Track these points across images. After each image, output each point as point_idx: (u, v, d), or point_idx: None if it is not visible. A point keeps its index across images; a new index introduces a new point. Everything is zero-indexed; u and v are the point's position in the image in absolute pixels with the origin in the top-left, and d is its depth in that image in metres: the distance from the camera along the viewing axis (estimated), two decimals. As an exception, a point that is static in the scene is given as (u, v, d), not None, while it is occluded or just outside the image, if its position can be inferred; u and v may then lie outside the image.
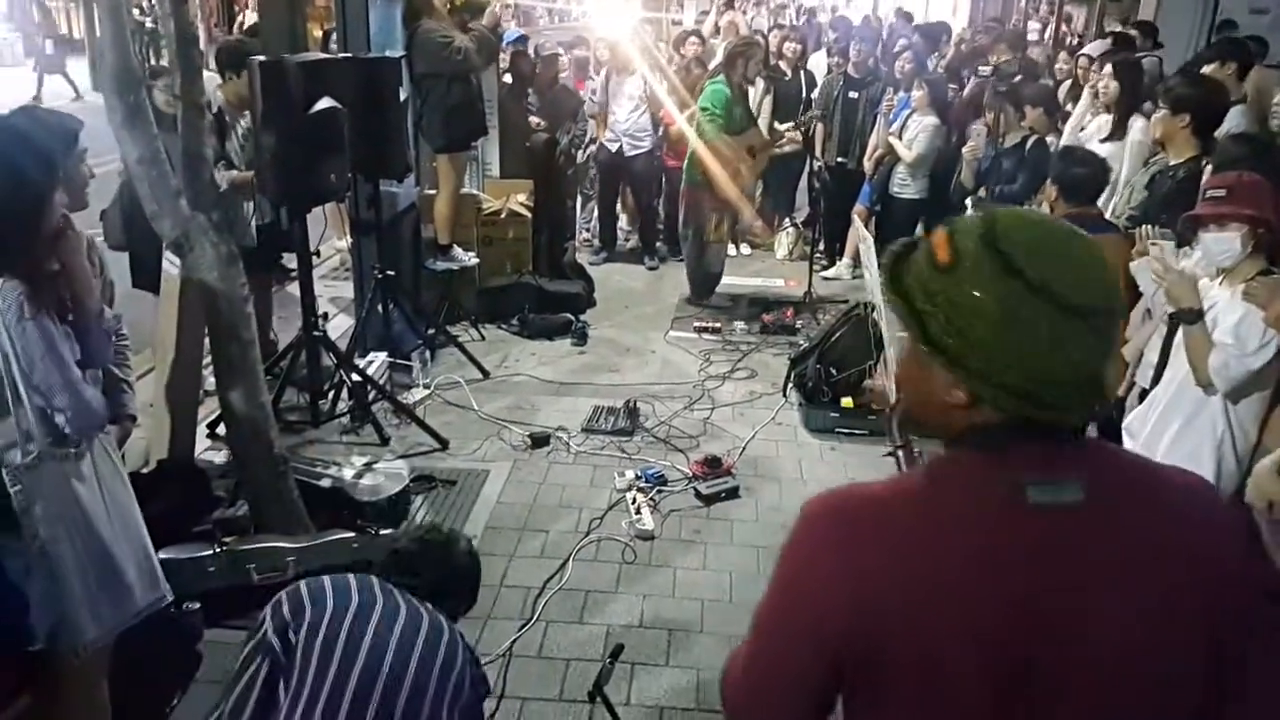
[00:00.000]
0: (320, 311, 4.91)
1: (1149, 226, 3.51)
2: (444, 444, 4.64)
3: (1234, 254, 2.78)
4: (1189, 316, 2.80)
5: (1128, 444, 3.11)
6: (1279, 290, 2.68)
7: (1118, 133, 4.95)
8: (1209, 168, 3.58)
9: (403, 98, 5.25)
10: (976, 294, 1.06)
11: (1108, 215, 4.24)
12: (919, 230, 7.31)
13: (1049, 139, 5.56)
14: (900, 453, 4.07)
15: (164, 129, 3.22)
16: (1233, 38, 5.77)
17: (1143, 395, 3.28)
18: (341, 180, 4.49)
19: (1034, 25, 12.47)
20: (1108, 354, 1.09)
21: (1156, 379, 3.09)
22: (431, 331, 5.61)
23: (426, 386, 5.23)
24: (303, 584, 2.05)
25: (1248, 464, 2.62)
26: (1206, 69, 4.90)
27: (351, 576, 2.09)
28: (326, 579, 2.06)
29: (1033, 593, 1.07)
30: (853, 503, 1.18)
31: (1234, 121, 4.49)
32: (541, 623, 3.45)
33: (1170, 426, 2.95)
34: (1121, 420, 3.26)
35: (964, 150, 6.10)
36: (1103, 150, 4.55)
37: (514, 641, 3.34)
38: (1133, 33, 7.13)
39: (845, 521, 1.16)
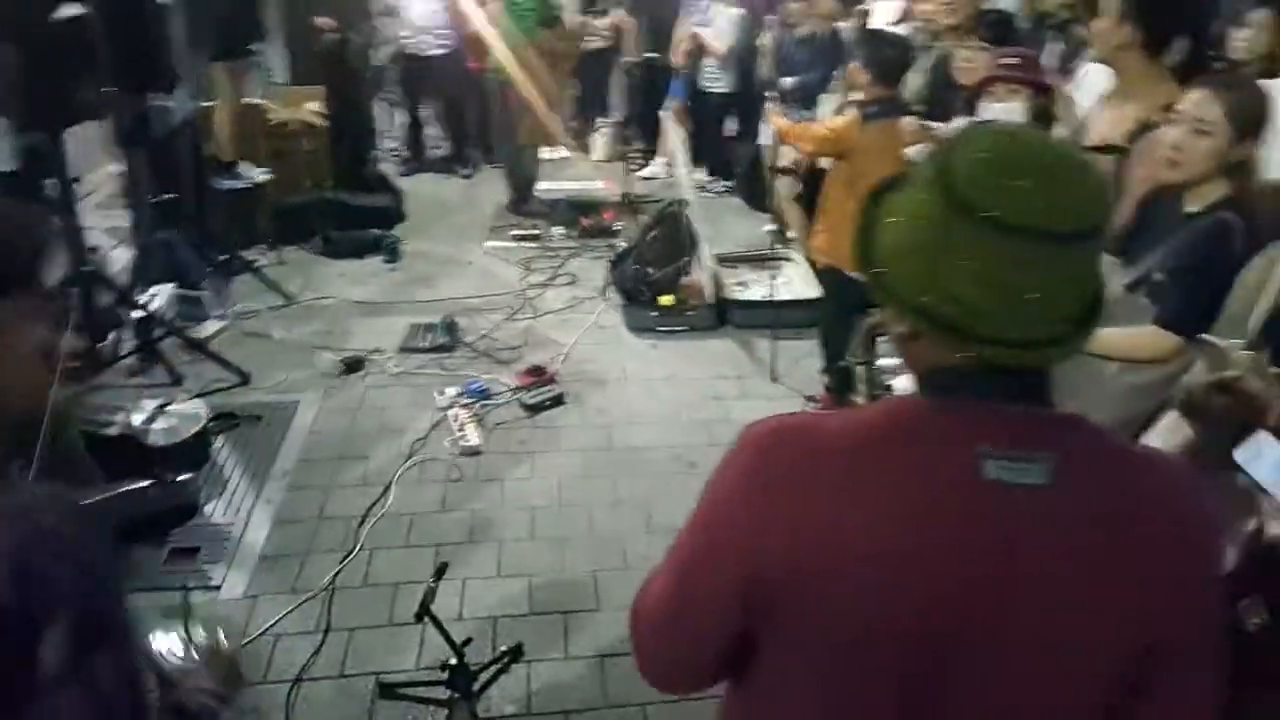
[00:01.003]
0: (91, 244, 4.47)
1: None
2: (245, 378, 4.35)
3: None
4: None
5: None
6: None
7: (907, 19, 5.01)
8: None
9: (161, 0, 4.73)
10: (904, 204, 0.99)
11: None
12: (731, 124, 7.34)
13: (841, 26, 5.60)
14: (827, 393, 4.11)
15: None
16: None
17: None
18: (97, 96, 4.03)
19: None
20: (1069, 284, 0.93)
21: None
22: (224, 258, 5.20)
23: (222, 318, 4.87)
24: None
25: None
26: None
27: None
28: None
29: (968, 576, 0.96)
30: (796, 435, 1.04)
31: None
32: (365, 551, 3.31)
33: None
34: None
35: (759, 41, 6.08)
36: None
37: (337, 574, 3.19)
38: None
39: (785, 456, 1.02)
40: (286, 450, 3.88)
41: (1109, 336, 2.26)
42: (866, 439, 1.01)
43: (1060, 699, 1.02)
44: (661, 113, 6.97)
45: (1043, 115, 2.87)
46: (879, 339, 2.33)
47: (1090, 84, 3.31)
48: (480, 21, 6.53)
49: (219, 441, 3.88)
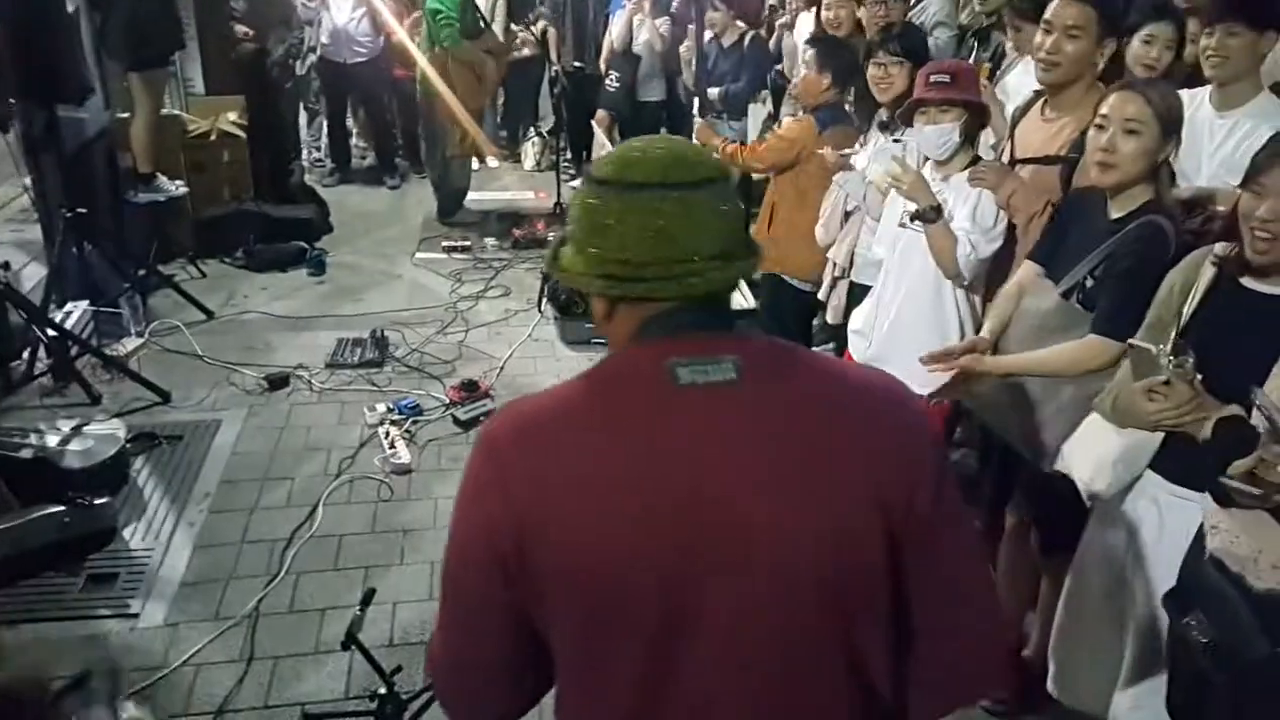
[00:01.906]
0: (2, 260, 4.29)
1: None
2: (165, 396, 4.19)
3: (953, 144, 2.78)
4: (931, 215, 2.74)
5: (857, 345, 3.13)
6: (1005, 172, 2.75)
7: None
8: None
9: (71, 8, 4.58)
10: (572, 213, 1.15)
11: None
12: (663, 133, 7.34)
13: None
14: None
15: None
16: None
17: (856, 291, 3.37)
18: (4, 107, 3.88)
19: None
20: (689, 223, 1.08)
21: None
22: (141, 273, 5.02)
23: (140, 334, 4.70)
24: None
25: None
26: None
27: None
28: None
29: (692, 482, 1.04)
30: (509, 416, 1.15)
31: (937, 7, 4.68)
32: (291, 575, 3.19)
33: (905, 325, 2.93)
34: None
35: (681, 49, 6.08)
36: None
37: (261, 600, 3.07)
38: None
39: (501, 438, 1.12)
40: (208, 471, 3.75)
41: (1050, 357, 2.27)
42: (577, 398, 1.13)
43: (827, 592, 1.07)
44: (593, 121, 6.94)
45: (974, 130, 2.86)
46: None
47: (1014, 90, 3.35)
48: (401, 32, 6.45)
49: (138, 463, 3.73)
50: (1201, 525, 1.78)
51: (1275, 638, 1.61)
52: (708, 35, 5.99)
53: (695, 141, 4.41)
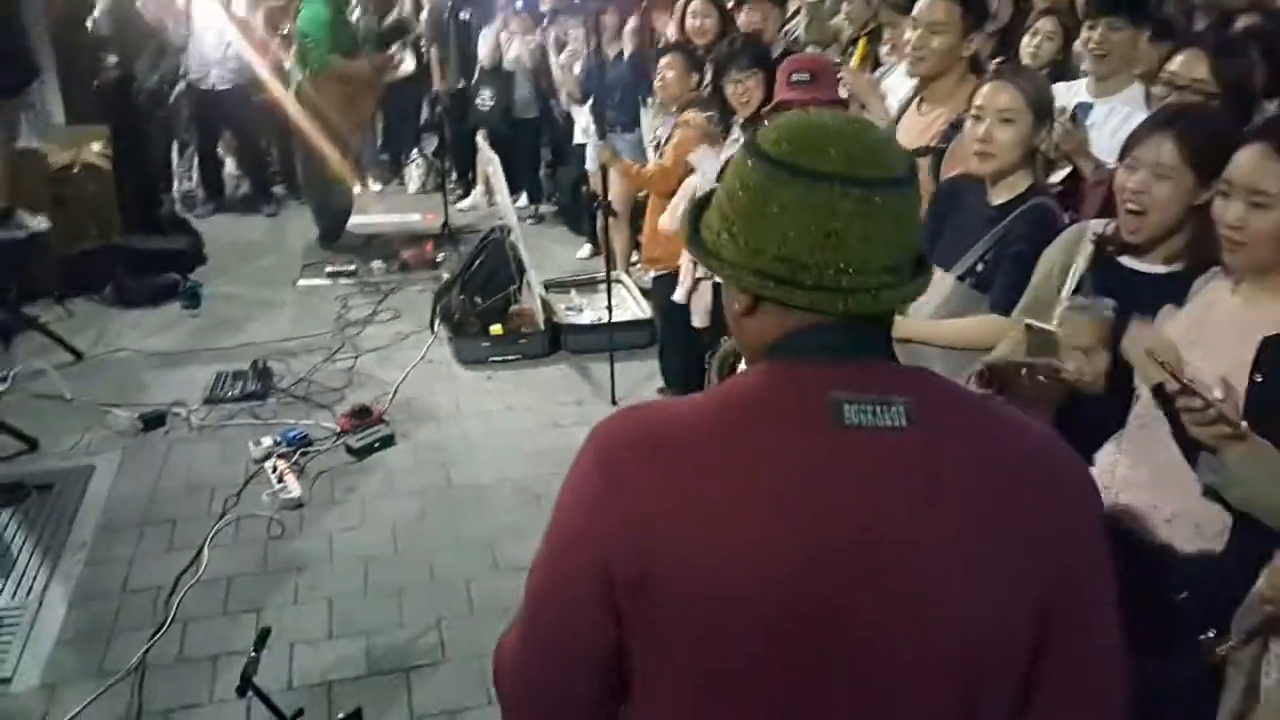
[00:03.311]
0: None
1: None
2: (32, 444, 3.94)
3: None
4: None
5: None
6: None
7: None
8: None
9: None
10: (727, 183, 1.01)
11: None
12: (545, 151, 7.29)
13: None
14: None
15: None
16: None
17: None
18: None
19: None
20: (879, 231, 0.95)
21: None
22: (1, 315, 4.72)
23: (3, 380, 4.42)
24: None
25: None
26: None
27: None
28: None
29: (840, 527, 0.92)
30: (637, 426, 1.01)
31: (801, 29, 4.80)
32: (179, 624, 3.01)
33: None
34: None
35: (561, 59, 6.06)
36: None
37: (147, 651, 2.89)
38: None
39: (627, 451, 0.98)
40: (83, 520, 3.52)
41: (949, 329, 2.31)
42: (714, 415, 0.98)
43: (967, 658, 0.95)
44: (478, 140, 6.85)
45: None
46: (735, 366, 2.30)
47: (893, 91, 3.43)
48: (269, 58, 6.26)
49: (5, 516, 3.50)
50: None
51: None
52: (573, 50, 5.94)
53: (597, 164, 4.41)
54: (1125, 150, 1.90)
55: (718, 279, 1.08)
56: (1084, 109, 2.91)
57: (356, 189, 6.94)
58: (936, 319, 2.35)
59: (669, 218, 3.56)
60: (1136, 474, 1.80)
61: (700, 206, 1.07)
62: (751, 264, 0.97)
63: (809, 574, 0.92)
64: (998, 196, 2.31)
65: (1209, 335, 1.69)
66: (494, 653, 1.09)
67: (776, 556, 0.91)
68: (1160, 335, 1.73)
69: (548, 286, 5.34)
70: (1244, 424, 1.53)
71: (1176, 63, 2.45)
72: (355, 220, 6.64)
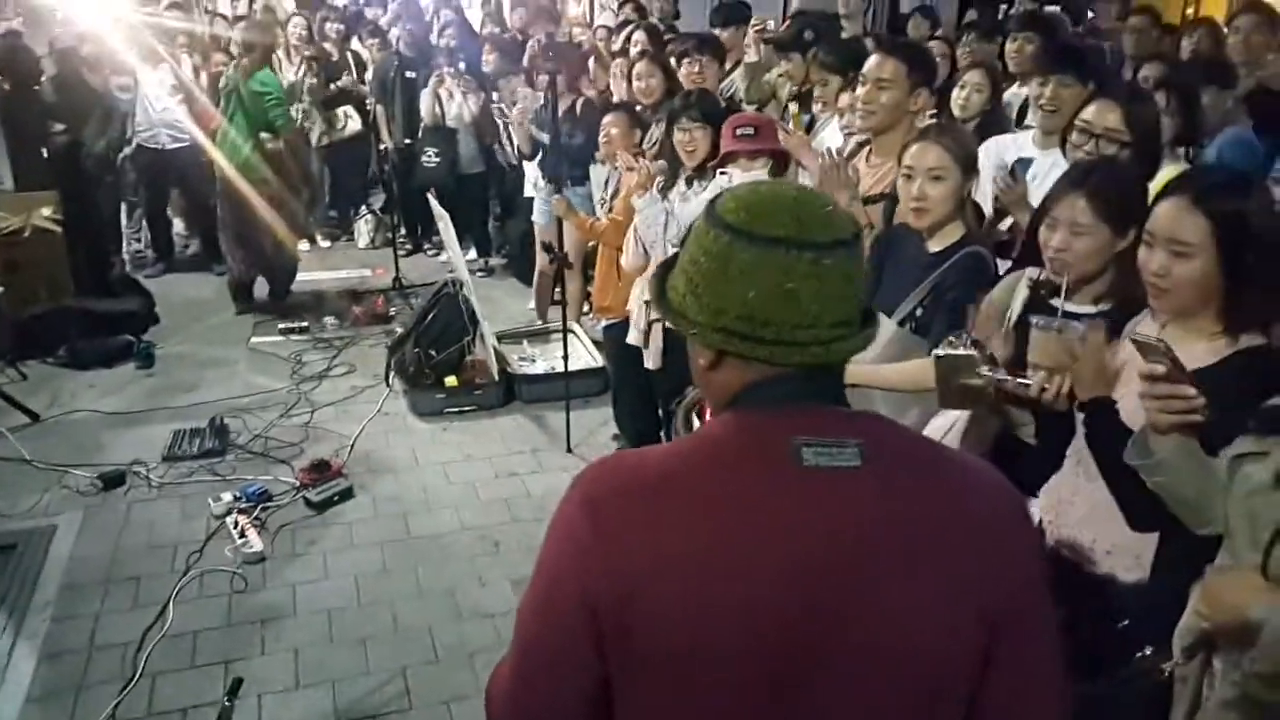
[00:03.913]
0: None
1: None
2: (-10, 505, 3.95)
3: None
4: None
5: None
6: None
7: None
8: None
9: None
10: (690, 249, 1.10)
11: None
12: (491, 205, 7.41)
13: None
14: None
15: None
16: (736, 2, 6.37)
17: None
18: None
19: None
20: (833, 288, 1.05)
21: None
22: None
23: (-43, 444, 4.41)
24: None
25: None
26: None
27: None
28: None
29: (808, 564, 1.01)
30: (616, 471, 1.11)
31: (739, 86, 5.05)
32: (147, 678, 3.06)
33: None
34: None
35: (513, 113, 6.18)
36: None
37: (116, 705, 2.93)
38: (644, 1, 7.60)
39: (608, 495, 1.07)
40: (46, 579, 3.54)
41: (893, 373, 2.46)
42: (684, 461, 1.09)
43: (927, 682, 1.05)
44: (429, 195, 6.96)
45: (780, 173, 3.15)
46: (699, 415, 2.44)
47: (825, 141, 3.67)
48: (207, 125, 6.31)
49: (-37, 580, 3.49)
50: None
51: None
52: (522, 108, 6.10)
53: (551, 217, 4.51)
54: (1043, 209, 2.07)
55: (668, 324, 1.20)
56: (1023, 164, 3.09)
57: (305, 246, 7.00)
58: (879, 361, 2.49)
59: (626, 255, 3.71)
60: (1076, 510, 1.91)
61: (665, 270, 1.17)
62: (715, 323, 1.06)
63: (781, 618, 1.01)
64: (934, 245, 2.49)
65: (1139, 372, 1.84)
66: (488, 682, 1.19)
67: (752, 607, 1.01)
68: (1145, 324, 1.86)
69: (500, 338, 5.45)
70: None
71: (1090, 112, 2.59)
72: (306, 276, 6.69)
